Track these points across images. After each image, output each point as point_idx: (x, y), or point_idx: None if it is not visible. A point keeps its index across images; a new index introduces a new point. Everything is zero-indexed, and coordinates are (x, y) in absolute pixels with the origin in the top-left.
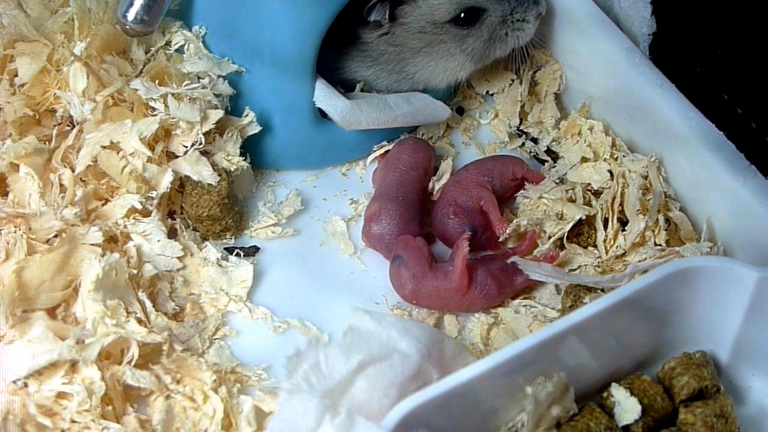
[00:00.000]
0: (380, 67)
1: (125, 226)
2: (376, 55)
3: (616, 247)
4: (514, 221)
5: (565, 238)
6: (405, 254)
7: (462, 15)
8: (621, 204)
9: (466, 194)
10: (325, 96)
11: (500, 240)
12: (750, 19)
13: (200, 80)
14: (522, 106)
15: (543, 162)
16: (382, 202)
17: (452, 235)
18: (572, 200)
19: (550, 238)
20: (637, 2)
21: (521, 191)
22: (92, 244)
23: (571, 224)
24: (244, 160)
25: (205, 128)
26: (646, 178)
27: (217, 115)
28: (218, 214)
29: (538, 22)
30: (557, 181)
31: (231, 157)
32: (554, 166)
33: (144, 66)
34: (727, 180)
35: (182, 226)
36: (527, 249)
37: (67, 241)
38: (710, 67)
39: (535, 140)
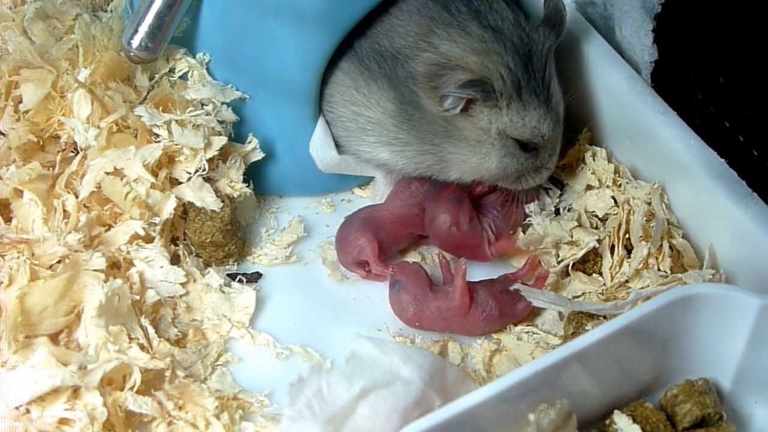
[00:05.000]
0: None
1: (128, 252)
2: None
3: (621, 274)
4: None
5: (570, 265)
6: (403, 278)
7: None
8: (627, 231)
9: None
10: (319, 144)
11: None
12: (751, 47)
13: (204, 107)
14: None
15: (549, 188)
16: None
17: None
18: (581, 226)
19: (560, 262)
20: (638, 30)
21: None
22: (95, 270)
23: (584, 250)
24: (247, 186)
25: (209, 155)
26: (649, 204)
27: (220, 141)
28: (221, 241)
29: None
30: (565, 209)
31: (234, 183)
32: (562, 194)
33: (148, 93)
34: (729, 207)
35: (185, 253)
36: (527, 273)
37: (70, 267)
38: (712, 95)
39: None
